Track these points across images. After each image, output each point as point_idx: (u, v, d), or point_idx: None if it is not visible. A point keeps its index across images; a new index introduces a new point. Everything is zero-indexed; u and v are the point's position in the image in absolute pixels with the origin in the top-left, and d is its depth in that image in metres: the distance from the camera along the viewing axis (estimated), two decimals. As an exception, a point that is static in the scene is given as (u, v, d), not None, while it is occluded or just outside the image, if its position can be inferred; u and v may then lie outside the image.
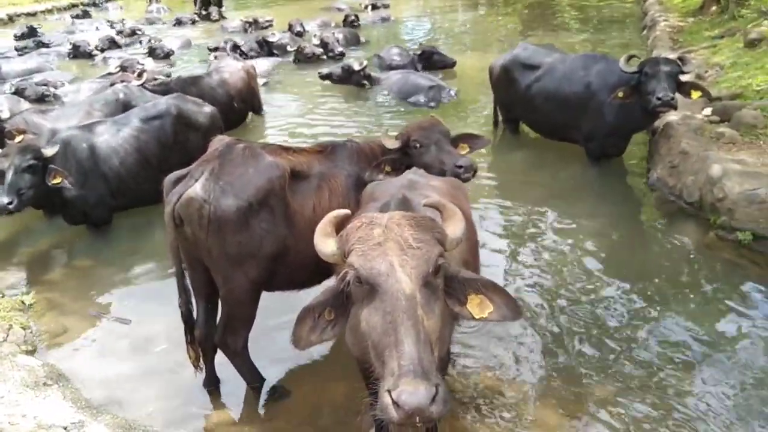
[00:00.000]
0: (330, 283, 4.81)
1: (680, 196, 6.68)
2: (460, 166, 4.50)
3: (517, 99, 8.48)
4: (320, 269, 4.37)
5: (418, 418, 2.02)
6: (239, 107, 9.71)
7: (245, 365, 4.35)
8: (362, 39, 16.60)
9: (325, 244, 2.54)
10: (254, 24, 18.43)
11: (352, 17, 18.21)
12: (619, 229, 6.62)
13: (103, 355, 5.11)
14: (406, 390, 2.02)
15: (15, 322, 5.11)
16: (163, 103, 7.19)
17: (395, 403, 2.03)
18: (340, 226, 2.64)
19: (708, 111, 7.62)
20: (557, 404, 4.27)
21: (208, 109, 7.49)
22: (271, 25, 18.49)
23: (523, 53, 8.47)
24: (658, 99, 6.45)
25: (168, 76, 11.24)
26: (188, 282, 4.14)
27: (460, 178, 4.48)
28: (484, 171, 7.90)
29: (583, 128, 7.74)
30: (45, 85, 11.79)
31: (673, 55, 7.97)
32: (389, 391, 2.07)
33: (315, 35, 15.27)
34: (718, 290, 5.45)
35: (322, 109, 11.13)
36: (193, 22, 21.33)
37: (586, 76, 7.67)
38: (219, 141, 4.25)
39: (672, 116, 7.43)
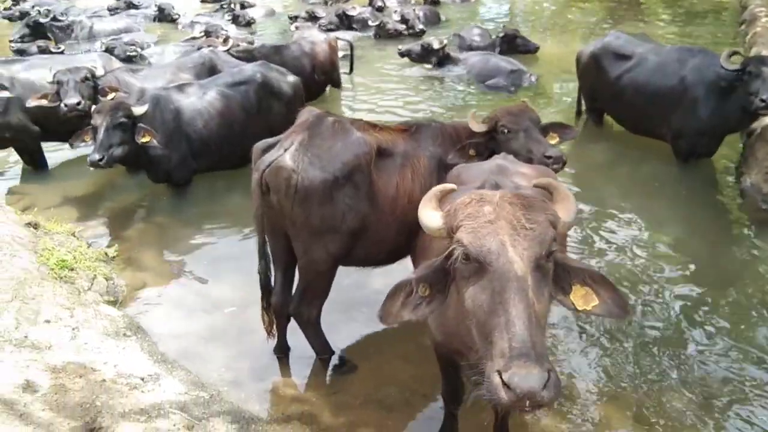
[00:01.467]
0: (405, 263, 4.91)
1: (775, 205, 6.32)
2: (549, 157, 4.35)
3: (604, 89, 8.16)
4: (397, 249, 4.41)
5: (528, 402, 1.97)
6: (320, 79, 9.76)
7: (317, 336, 4.40)
8: (442, 17, 16.35)
9: (431, 218, 2.47)
10: (335, -6, 18.43)
11: (435, -6, 17.97)
12: (701, 234, 6.29)
13: (178, 312, 5.26)
14: (518, 373, 1.97)
15: (99, 273, 5.32)
16: (249, 69, 7.28)
17: (506, 385, 1.98)
18: (444, 201, 2.57)
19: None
20: (630, 410, 4.14)
21: (292, 78, 7.55)
22: (350, -7, 18.46)
23: (615, 41, 8.12)
24: (762, 101, 6.08)
25: (251, 43, 11.38)
26: (269, 249, 4.19)
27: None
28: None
29: (674, 125, 7.38)
30: (133, 45, 12.17)
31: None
32: (499, 372, 2.00)
33: (395, 11, 15.15)
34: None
35: (400, 87, 11.06)
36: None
37: (681, 70, 7.30)
38: (308, 112, 4.25)
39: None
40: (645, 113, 7.71)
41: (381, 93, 10.72)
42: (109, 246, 5.94)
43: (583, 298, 2.34)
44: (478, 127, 4.56)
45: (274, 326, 4.38)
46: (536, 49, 12.54)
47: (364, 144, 3.99)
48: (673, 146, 7.56)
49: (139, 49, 12.03)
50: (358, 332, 4.92)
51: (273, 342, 4.59)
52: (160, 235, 6.44)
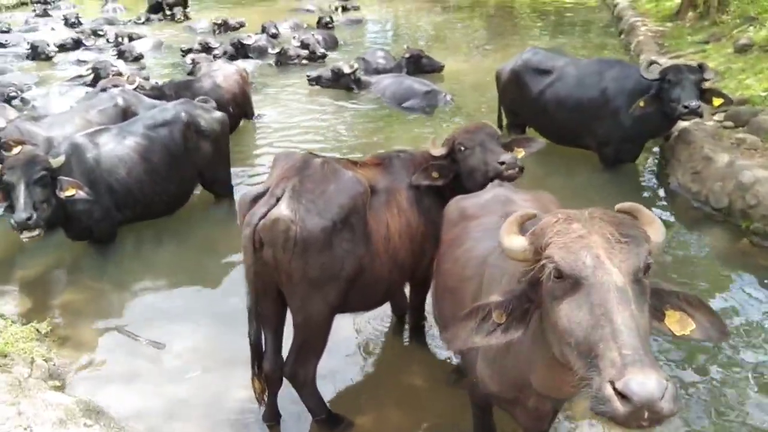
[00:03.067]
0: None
1: (706, 202, 6.68)
2: (502, 162, 4.24)
3: (528, 104, 8.34)
4: (390, 289, 4.20)
5: (647, 413, 1.77)
6: (234, 112, 9.26)
7: (312, 396, 4.03)
8: (340, 41, 16.27)
9: (515, 241, 2.31)
10: (224, 25, 17.78)
11: (327, 19, 17.84)
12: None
13: (133, 387, 4.67)
14: (635, 379, 1.77)
15: (36, 354, 4.62)
16: (172, 108, 6.74)
17: (620, 395, 1.78)
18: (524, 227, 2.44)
19: (720, 117, 7.69)
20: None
21: (217, 114, 7.09)
22: (242, 27, 17.90)
23: (534, 57, 8.35)
24: (685, 107, 6.42)
25: (146, 79, 10.65)
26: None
27: (503, 177, 4.22)
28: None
29: (598, 134, 7.67)
30: (12, 86, 11.00)
31: (687, 62, 8.01)
32: (612, 382, 1.81)
33: (294, 37, 14.85)
34: (759, 296, 5.44)
35: (314, 114, 10.76)
36: (159, 20, 20.56)
37: (601, 81, 7.61)
38: (288, 156, 3.92)
39: (685, 122, 7.43)
40: (569, 125, 7.95)
41: (294, 121, 10.37)
42: (38, 321, 5.18)
43: (678, 323, 2.20)
44: (437, 151, 4.50)
45: (266, 394, 3.95)
46: (442, 67, 12.73)
47: (359, 183, 3.74)
48: (600, 154, 7.85)
49: (19, 92, 10.90)
50: (350, 384, 4.61)
51: (251, 406, 4.18)
52: (93, 300, 5.74)
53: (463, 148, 4.43)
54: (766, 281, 5.61)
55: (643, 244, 2.11)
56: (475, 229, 3.38)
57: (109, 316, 5.51)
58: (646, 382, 1.76)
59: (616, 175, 7.79)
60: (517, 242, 2.31)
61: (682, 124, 7.43)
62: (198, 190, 7.31)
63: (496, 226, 3.21)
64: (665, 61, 9.84)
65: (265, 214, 3.47)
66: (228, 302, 5.49)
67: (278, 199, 3.52)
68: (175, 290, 5.90)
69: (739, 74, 9.12)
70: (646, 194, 7.53)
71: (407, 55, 12.56)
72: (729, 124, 7.46)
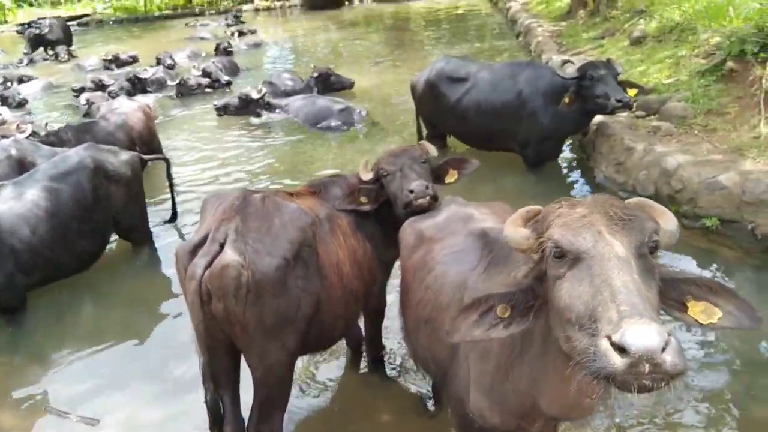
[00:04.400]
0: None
1: (633, 191, 6.80)
2: (411, 191, 3.83)
3: (446, 113, 8.30)
4: (347, 323, 3.97)
5: (647, 367, 1.61)
6: (142, 151, 8.65)
7: (282, 453, 3.68)
8: (242, 67, 15.81)
9: (518, 231, 2.23)
10: (115, 61, 16.86)
11: (225, 44, 17.33)
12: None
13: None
14: (631, 328, 1.64)
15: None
16: (75, 155, 6.15)
17: (618, 347, 1.64)
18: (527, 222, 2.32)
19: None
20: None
21: (126, 156, 6.55)
22: (135, 61, 17.05)
23: (447, 66, 8.32)
24: (618, 101, 6.54)
25: (32, 124, 9.81)
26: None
27: (411, 207, 3.83)
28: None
29: (519, 136, 7.73)
30: None
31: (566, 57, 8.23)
32: (609, 337, 1.68)
33: (194, 66, 14.27)
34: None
35: (228, 144, 10.30)
36: (44, 59, 19.29)
37: (516, 84, 7.68)
38: (219, 197, 3.58)
39: (602, 116, 7.60)
40: (490, 130, 7.97)
41: (211, 155, 9.85)
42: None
43: (704, 312, 2.05)
44: (365, 175, 4.25)
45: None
46: (352, 84, 12.59)
47: (305, 214, 3.46)
48: (523, 156, 7.92)
49: None
50: (309, 423, 4.32)
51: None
52: (9, 378, 5.09)
53: (384, 173, 4.14)
54: (700, 260, 5.77)
55: (649, 222, 2.02)
56: (442, 252, 3.18)
57: (31, 395, 4.89)
58: (643, 332, 1.63)
59: (542, 174, 7.87)
60: (521, 231, 2.22)
61: (598, 118, 7.61)
62: (113, 240, 6.73)
63: (465, 248, 3.05)
64: (557, 58, 10.15)
65: (211, 263, 3.11)
66: (165, 362, 5.03)
67: (222, 244, 3.17)
68: (103, 354, 5.32)
69: (638, 65, 9.50)
70: (574, 190, 7.66)
71: (315, 75, 12.33)
72: (641, 113, 7.70)
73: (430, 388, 4.45)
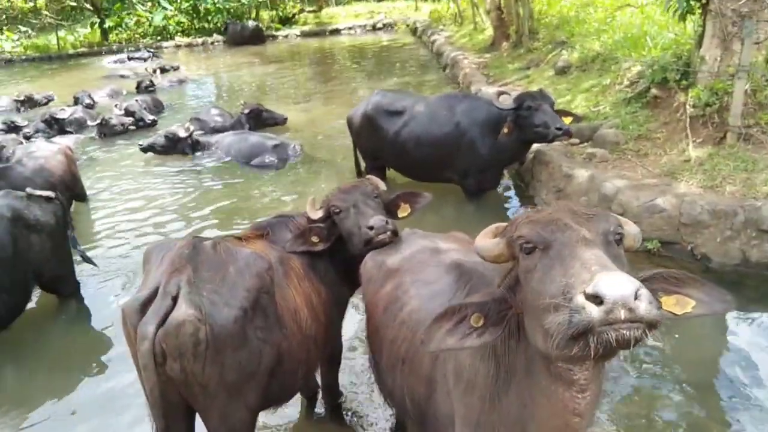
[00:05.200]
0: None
1: (574, 218, 6.93)
2: (371, 227, 3.67)
3: (385, 146, 8.24)
4: (308, 371, 3.79)
5: (623, 313, 1.65)
6: (64, 196, 8.10)
7: None
8: (166, 104, 15.31)
9: (489, 241, 2.26)
10: (29, 101, 15.94)
11: (147, 82, 16.79)
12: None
13: None
14: (604, 278, 1.69)
15: None
16: (-10, 205, 5.64)
17: (592, 297, 1.68)
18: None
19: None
20: None
21: (48, 204, 6.07)
22: (51, 101, 16.20)
23: (383, 100, 8.28)
24: (558, 129, 6.65)
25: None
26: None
27: (372, 243, 3.66)
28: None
29: (458, 167, 7.75)
30: None
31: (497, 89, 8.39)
32: (583, 292, 1.72)
33: (116, 105, 13.68)
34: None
35: (157, 185, 9.82)
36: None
37: (453, 116, 7.70)
38: (162, 247, 3.30)
39: (538, 144, 7.73)
40: (429, 161, 7.96)
41: (139, 197, 9.36)
42: None
43: (677, 304, 2.08)
44: (314, 213, 4.06)
45: None
46: (285, 120, 12.39)
47: (260, 259, 3.22)
48: (462, 186, 7.94)
49: None
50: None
51: None
52: None
53: (337, 211, 3.98)
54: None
55: (612, 217, 2.10)
56: (415, 286, 3.04)
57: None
58: (615, 280, 1.68)
59: (482, 203, 7.90)
60: (492, 242, 2.25)
61: (535, 146, 7.74)
62: (36, 293, 6.20)
63: (438, 281, 2.93)
64: (494, 89, 10.38)
65: (164, 320, 2.82)
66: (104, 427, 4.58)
67: (175, 298, 2.89)
68: (27, 425, 4.81)
69: (565, 94, 9.81)
70: (512, 217, 7.69)
71: (246, 111, 12.06)
72: (575, 140, 7.89)
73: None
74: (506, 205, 8.15)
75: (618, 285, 1.67)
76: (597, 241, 1.95)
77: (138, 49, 26.70)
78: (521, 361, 2.23)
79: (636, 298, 1.67)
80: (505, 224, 2.33)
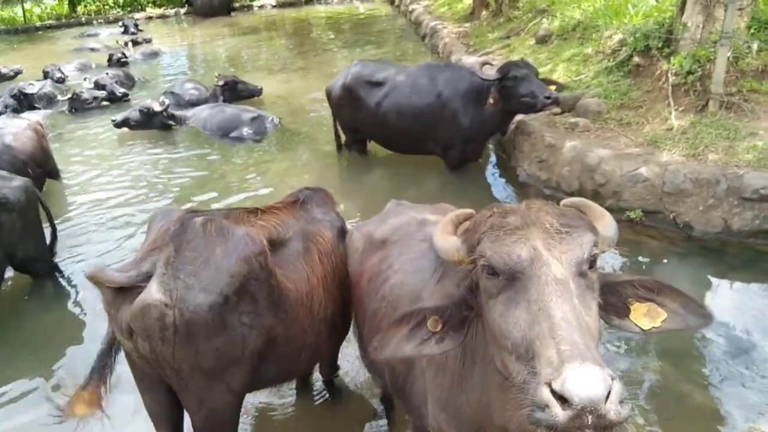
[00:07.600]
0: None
1: (558, 188, 6.90)
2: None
3: (365, 118, 8.08)
4: (318, 350, 3.61)
5: (591, 418, 1.52)
6: (35, 174, 7.86)
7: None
8: (137, 78, 14.91)
9: (447, 240, 2.12)
10: (-5, 75, 15.46)
11: (119, 55, 16.29)
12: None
13: None
14: (573, 376, 1.54)
15: None
16: (-43, 184, 5.44)
17: (559, 397, 1.55)
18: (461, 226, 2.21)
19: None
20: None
21: (18, 182, 5.85)
22: (19, 74, 15.66)
23: (363, 70, 8.10)
24: (547, 98, 6.58)
25: None
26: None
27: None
28: (344, 199, 7.17)
29: (441, 138, 7.65)
30: None
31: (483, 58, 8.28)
32: (549, 384, 1.58)
33: (86, 78, 13.27)
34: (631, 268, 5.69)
35: (134, 162, 9.56)
36: None
37: (435, 86, 7.57)
38: (166, 215, 3.17)
39: (521, 114, 7.64)
40: (411, 133, 7.83)
41: (116, 174, 9.10)
42: None
43: (647, 315, 1.98)
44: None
45: None
46: (260, 91, 12.13)
47: (251, 242, 3.02)
48: (445, 157, 7.85)
49: None
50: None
51: None
52: None
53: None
54: (627, 251, 5.89)
55: (588, 234, 1.92)
56: (399, 259, 2.98)
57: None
58: (586, 379, 1.53)
59: (465, 175, 7.83)
60: (450, 241, 2.11)
61: (518, 117, 7.65)
62: (10, 276, 6.03)
63: (421, 254, 2.85)
64: (477, 60, 10.25)
65: (135, 302, 2.71)
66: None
67: (148, 278, 2.77)
68: (5, 410, 4.69)
69: (547, 63, 9.70)
70: (498, 189, 7.66)
71: (221, 83, 11.77)
72: (557, 110, 7.81)
73: (381, 408, 4.23)
74: (490, 177, 8.08)
75: (588, 386, 1.52)
76: (568, 282, 1.79)
77: (108, 22, 25.80)
78: (482, 346, 2.15)
79: (607, 398, 1.53)
80: (466, 213, 2.24)
